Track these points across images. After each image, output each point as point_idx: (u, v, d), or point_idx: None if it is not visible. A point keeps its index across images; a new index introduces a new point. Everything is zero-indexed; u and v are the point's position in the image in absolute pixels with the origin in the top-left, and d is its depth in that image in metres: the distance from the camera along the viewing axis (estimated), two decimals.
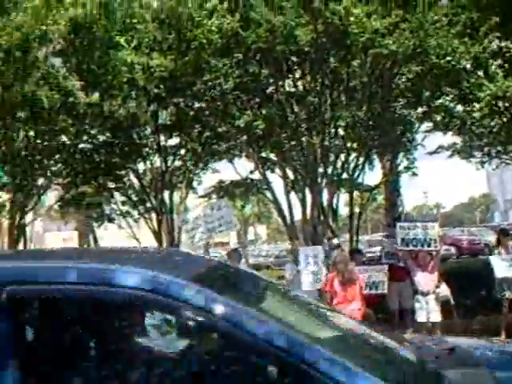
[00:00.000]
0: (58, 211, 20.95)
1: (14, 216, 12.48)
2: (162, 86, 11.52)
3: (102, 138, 13.29)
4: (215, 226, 9.48)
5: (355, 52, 11.29)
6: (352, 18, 10.49)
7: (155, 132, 13.75)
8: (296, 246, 11.35)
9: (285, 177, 13.73)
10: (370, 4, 10.64)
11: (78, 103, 10.58)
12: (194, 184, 15.87)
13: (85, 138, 12.95)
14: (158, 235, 14.57)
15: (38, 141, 12.16)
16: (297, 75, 12.76)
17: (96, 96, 10.51)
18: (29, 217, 14.00)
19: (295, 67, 12.55)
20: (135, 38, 11.12)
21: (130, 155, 13.64)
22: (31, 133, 11.99)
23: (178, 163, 14.71)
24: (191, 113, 13.19)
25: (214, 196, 16.79)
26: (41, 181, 13.12)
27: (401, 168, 15.51)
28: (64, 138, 12.43)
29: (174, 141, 14.40)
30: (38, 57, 10.67)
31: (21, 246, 14.30)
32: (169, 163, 14.47)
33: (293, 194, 13.72)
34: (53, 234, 61.57)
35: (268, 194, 15.16)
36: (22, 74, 10.63)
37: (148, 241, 14.83)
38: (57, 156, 12.67)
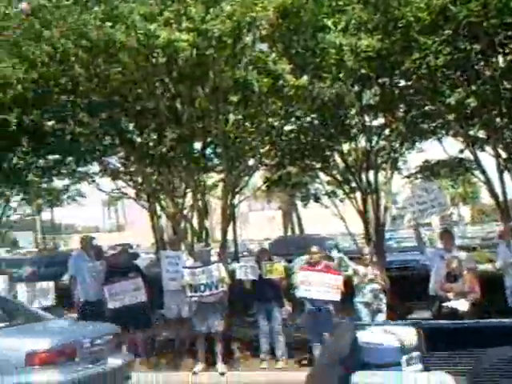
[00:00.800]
0: (263, 191, 21.68)
1: (226, 196, 13.05)
2: (368, 67, 11.46)
3: (308, 119, 13.52)
4: (427, 207, 9.37)
5: None
6: None
7: (360, 112, 13.74)
8: (509, 228, 10.93)
9: (497, 155, 13.15)
10: None
11: (286, 86, 10.85)
12: (399, 164, 15.62)
13: (292, 119, 13.23)
14: (363, 215, 14.59)
15: (247, 124, 12.59)
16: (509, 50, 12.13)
17: (304, 78, 10.72)
18: (236, 197, 14.59)
19: (508, 41, 11.91)
20: (342, 20, 11.14)
21: (335, 136, 13.78)
22: (240, 116, 12.43)
23: (382, 143, 14.59)
24: (396, 92, 13.01)
25: (419, 176, 16.50)
26: (251, 162, 13.65)
27: None
28: (272, 120, 12.75)
29: (379, 121, 14.31)
30: (247, 43, 11.08)
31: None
32: (373, 143, 14.42)
33: (506, 174, 13.11)
34: (257, 214, 63.88)
35: (477, 174, 14.60)
36: (233, 60, 11.09)
37: (353, 220, 14.93)
38: (266, 138, 13.05)
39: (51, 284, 12.64)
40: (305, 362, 11.49)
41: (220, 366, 11.35)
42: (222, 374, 11.27)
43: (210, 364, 11.50)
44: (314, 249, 11.47)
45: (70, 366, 8.22)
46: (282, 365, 11.43)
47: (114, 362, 8.96)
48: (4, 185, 16.49)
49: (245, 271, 11.74)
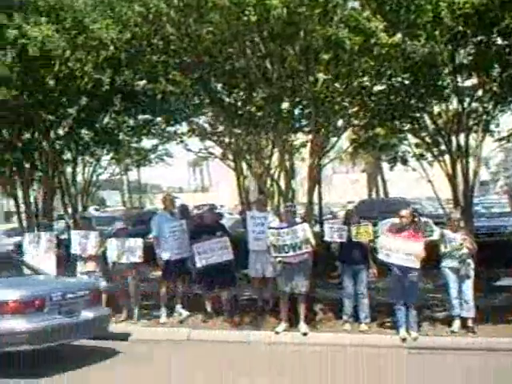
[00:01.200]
0: (348, 153, 21.33)
1: (313, 157, 12.95)
2: (465, 24, 11.04)
3: (398, 79, 13.19)
4: None
5: None
6: None
7: (453, 72, 13.31)
8: None
9: None
10: None
11: (378, 44, 10.59)
12: (492, 127, 15.09)
13: (383, 80, 12.92)
14: (451, 179, 14.24)
15: (337, 84, 12.38)
16: None
17: (398, 36, 10.42)
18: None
19: None
20: None
21: (426, 97, 13.41)
22: (329, 76, 12.22)
23: (475, 105, 14.13)
24: (492, 51, 12.51)
25: (511, 139, 15.95)
26: (340, 122, 13.46)
27: None
28: (362, 80, 12.48)
29: (472, 81, 13.83)
30: (339, 0, 10.86)
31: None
32: (465, 105, 13.97)
33: None
34: (341, 176, 63.54)
35: None
36: (324, 18, 10.90)
37: (441, 184, 14.60)
38: (356, 98, 12.80)
39: (139, 241, 12.81)
40: (388, 325, 11.44)
41: (302, 327, 11.40)
42: (305, 334, 11.32)
43: (293, 324, 11.57)
44: (404, 212, 11.28)
45: (38, 315, 9.24)
46: (365, 327, 11.40)
47: (87, 314, 9.94)
48: (96, 144, 16.89)
49: (333, 233, 11.72)
